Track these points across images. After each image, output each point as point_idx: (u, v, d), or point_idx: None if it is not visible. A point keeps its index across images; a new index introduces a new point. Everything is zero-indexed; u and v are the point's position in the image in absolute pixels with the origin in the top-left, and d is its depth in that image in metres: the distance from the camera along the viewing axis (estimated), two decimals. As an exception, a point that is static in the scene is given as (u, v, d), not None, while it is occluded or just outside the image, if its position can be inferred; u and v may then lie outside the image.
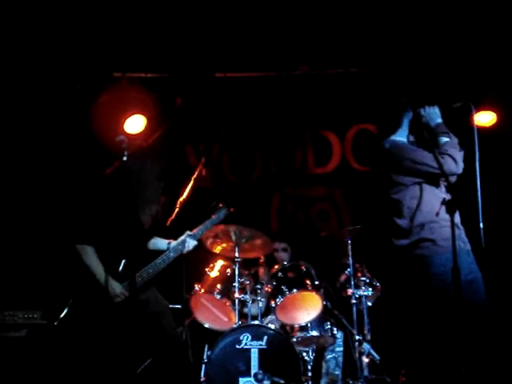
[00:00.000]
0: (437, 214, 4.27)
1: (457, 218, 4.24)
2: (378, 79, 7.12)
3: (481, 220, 4.09)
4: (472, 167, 4.18)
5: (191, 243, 5.05)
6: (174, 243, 5.01)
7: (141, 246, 4.95)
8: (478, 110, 6.63)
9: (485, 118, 6.75)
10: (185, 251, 5.03)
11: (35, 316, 5.03)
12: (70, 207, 6.12)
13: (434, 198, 4.31)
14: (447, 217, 4.13)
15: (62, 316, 4.57)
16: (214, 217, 5.26)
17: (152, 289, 4.90)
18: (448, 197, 4.31)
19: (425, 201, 4.30)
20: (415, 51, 6.73)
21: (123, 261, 4.66)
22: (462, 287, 3.70)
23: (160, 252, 4.99)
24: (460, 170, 4.27)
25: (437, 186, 4.35)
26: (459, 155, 4.31)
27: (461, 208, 4.11)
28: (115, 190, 4.71)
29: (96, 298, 4.59)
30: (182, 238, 5.03)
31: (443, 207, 4.28)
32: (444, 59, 6.79)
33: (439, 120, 4.45)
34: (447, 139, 4.36)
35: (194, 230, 5.12)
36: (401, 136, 4.51)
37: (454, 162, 4.23)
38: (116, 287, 4.59)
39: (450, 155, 4.23)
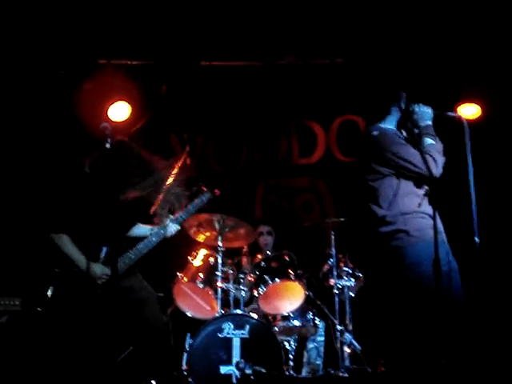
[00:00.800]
0: (412, 206, 4.28)
1: (430, 210, 4.24)
2: (363, 70, 7.12)
3: (475, 219, 4.12)
4: (463, 168, 4.20)
5: (173, 227, 5.04)
6: (156, 228, 5.00)
7: (122, 231, 4.93)
8: (462, 103, 6.76)
9: (469, 111, 6.78)
10: (167, 235, 5.02)
11: (16, 303, 5.02)
12: (44, 196, 6.06)
13: (411, 190, 4.33)
14: (422, 209, 4.23)
15: (43, 302, 4.56)
16: (196, 201, 5.25)
17: (136, 275, 4.89)
18: (425, 190, 4.33)
19: (401, 192, 4.30)
20: (400, 42, 6.73)
21: (104, 247, 4.66)
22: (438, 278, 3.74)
23: (141, 238, 4.98)
24: (438, 175, 4.26)
25: (414, 179, 4.36)
26: (441, 160, 4.31)
27: (437, 201, 4.12)
28: (94, 179, 4.70)
29: (77, 284, 4.58)
30: (165, 222, 5.01)
31: (419, 199, 4.30)
32: (429, 52, 6.80)
33: (429, 122, 4.44)
34: (433, 142, 4.36)
35: (176, 214, 5.11)
36: (390, 124, 4.50)
37: (435, 166, 4.23)
38: (97, 269, 4.59)
39: (432, 157, 4.23)
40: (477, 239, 4.11)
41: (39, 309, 4.66)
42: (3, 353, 4.80)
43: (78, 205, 4.70)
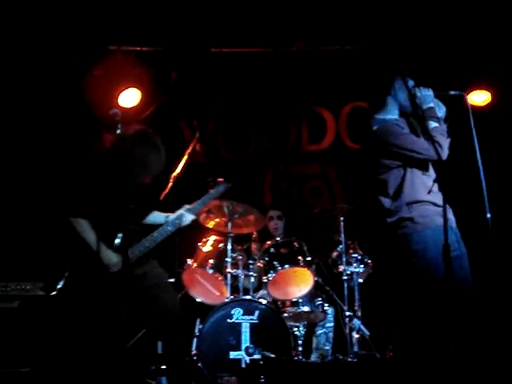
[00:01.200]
0: (417, 195, 4.30)
1: (440, 198, 4.25)
2: (373, 56, 7.10)
3: (488, 210, 4.14)
4: (470, 151, 4.21)
5: (189, 217, 5.04)
6: (171, 217, 5.01)
7: (138, 218, 4.95)
8: (472, 90, 6.74)
9: (479, 98, 6.76)
10: (182, 225, 5.03)
11: (28, 288, 5.05)
12: (63, 180, 6.10)
13: (418, 179, 4.34)
14: (430, 197, 4.27)
15: (58, 287, 4.59)
16: (212, 191, 5.22)
17: (150, 263, 4.91)
18: (433, 179, 4.35)
19: (407, 182, 4.33)
20: (410, 29, 6.69)
21: (119, 234, 4.67)
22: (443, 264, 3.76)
23: (157, 226, 4.99)
24: (445, 157, 4.27)
25: (422, 168, 4.37)
26: (446, 142, 4.32)
27: (447, 188, 4.12)
28: (110, 164, 4.70)
29: (92, 269, 4.61)
30: (180, 211, 5.02)
31: (427, 188, 4.32)
32: (439, 39, 6.77)
33: (431, 104, 4.45)
34: (436, 125, 4.37)
35: (192, 204, 5.11)
36: (390, 113, 4.50)
37: (441, 149, 4.23)
38: (112, 256, 4.61)
39: (437, 141, 4.23)
40: (488, 215, 4.14)
41: (53, 294, 4.69)
42: (16, 337, 4.84)
43: (97, 190, 4.70)
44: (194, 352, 5.38)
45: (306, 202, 7.73)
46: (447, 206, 4.28)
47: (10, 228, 6.63)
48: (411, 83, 4.53)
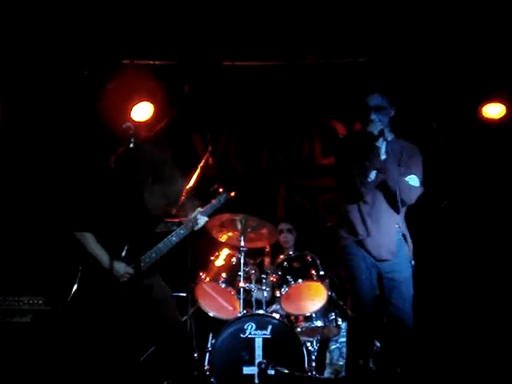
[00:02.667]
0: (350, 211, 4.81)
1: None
2: (387, 69, 7.09)
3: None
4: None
5: (202, 220, 5.01)
6: (185, 220, 4.98)
7: (145, 231, 4.93)
8: (487, 102, 6.72)
9: (494, 110, 6.72)
10: (196, 228, 5.00)
11: (40, 302, 5.05)
12: (68, 194, 6.10)
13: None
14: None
15: (66, 301, 4.57)
16: (214, 201, 5.22)
17: (156, 276, 4.89)
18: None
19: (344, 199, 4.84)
20: (425, 41, 6.68)
21: (126, 246, 4.66)
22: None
23: (163, 236, 4.97)
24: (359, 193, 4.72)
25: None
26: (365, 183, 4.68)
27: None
28: (118, 177, 4.70)
29: (100, 283, 4.60)
30: (193, 215, 4.99)
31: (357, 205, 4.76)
32: (454, 51, 6.75)
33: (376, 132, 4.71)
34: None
35: (205, 207, 5.09)
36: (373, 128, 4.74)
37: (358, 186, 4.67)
38: (120, 268, 4.60)
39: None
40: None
41: (62, 307, 4.68)
42: (27, 351, 4.84)
43: (102, 203, 4.70)
44: (206, 367, 5.34)
45: (318, 216, 7.70)
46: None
47: (22, 242, 6.64)
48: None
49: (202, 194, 5.34)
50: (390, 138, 4.87)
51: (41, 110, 6.89)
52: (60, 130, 6.97)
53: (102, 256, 4.62)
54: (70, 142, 6.95)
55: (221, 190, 5.28)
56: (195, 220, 4.97)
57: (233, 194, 5.33)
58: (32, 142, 6.92)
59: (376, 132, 4.69)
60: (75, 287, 4.59)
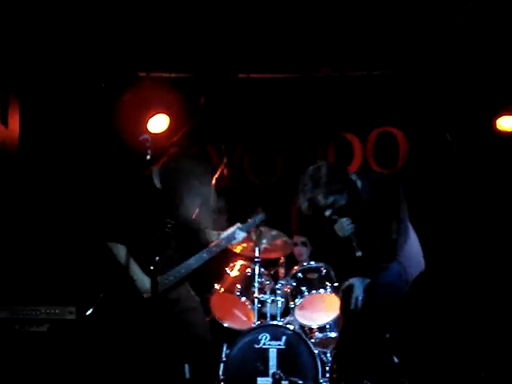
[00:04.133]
0: None
1: None
2: (400, 82, 7.12)
3: None
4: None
5: (241, 235, 5.03)
6: (224, 234, 5.00)
7: (175, 244, 4.94)
8: (501, 114, 6.73)
9: (508, 123, 6.73)
10: (234, 242, 5.03)
11: (57, 311, 5.09)
12: (101, 205, 6.15)
13: None
14: None
15: (91, 311, 4.61)
16: (250, 221, 5.22)
17: (184, 285, 4.91)
18: None
19: None
20: (438, 54, 6.70)
21: (156, 258, 4.67)
22: None
23: (198, 249, 4.98)
24: None
25: None
26: None
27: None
28: (151, 190, 4.72)
29: (125, 295, 4.63)
30: (232, 229, 5.03)
31: None
32: (469, 63, 6.77)
33: None
34: None
35: (246, 223, 5.12)
36: None
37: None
38: (147, 282, 4.60)
39: None
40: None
41: (87, 317, 4.72)
42: (44, 362, 4.87)
43: (137, 215, 4.72)
44: (221, 377, 5.36)
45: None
46: None
47: (42, 251, 6.70)
48: None
49: (236, 211, 5.40)
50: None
51: (59, 122, 6.96)
52: (84, 142, 7.03)
53: (133, 268, 4.64)
54: (96, 153, 7.01)
55: (258, 209, 5.31)
56: (233, 235, 5.00)
57: (267, 215, 5.38)
58: (59, 154, 6.99)
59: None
60: (100, 298, 4.63)
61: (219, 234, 5.00)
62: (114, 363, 4.52)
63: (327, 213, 4.87)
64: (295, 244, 6.79)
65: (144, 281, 4.58)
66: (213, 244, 4.96)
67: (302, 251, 6.81)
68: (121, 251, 4.67)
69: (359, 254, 4.84)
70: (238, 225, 5.04)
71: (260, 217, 5.27)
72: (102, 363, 4.54)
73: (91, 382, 4.57)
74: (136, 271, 4.63)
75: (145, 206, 4.61)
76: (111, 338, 4.55)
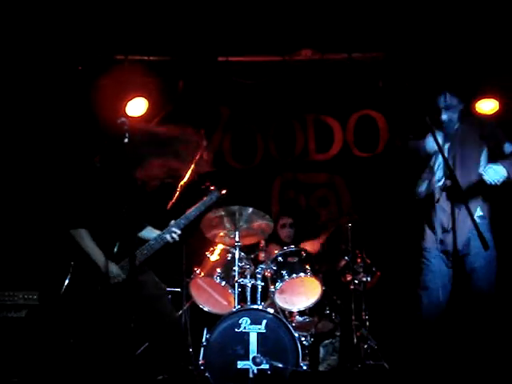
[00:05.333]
0: None
1: None
2: (381, 65, 7.10)
3: None
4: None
5: (174, 233, 4.98)
6: (161, 233, 5.00)
7: (136, 229, 4.94)
8: (480, 98, 6.74)
9: (487, 106, 6.74)
10: (169, 241, 4.99)
11: (34, 297, 5.06)
12: (62, 192, 6.10)
13: None
14: None
15: (58, 296, 4.59)
16: (205, 199, 5.22)
17: (148, 272, 4.92)
18: None
19: None
20: (418, 38, 6.68)
21: (117, 242, 4.67)
22: None
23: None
24: None
25: None
26: None
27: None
28: (107, 173, 4.71)
29: (92, 279, 4.62)
30: (167, 228, 5.01)
31: None
32: (446, 46, 6.76)
33: None
34: None
35: (178, 220, 5.09)
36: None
37: None
38: (112, 269, 4.62)
39: None
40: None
41: (54, 302, 4.69)
42: (22, 346, 4.85)
43: (95, 200, 4.72)
44: (201, 361, 5.35)
45: (313, 211, 7.72)
46: None
47: (16, 238, 6.64)
48: None
49: (193, 191, 5.37)
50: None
51: (34, 106, 6.87)
52: (54, 126, 6.95)
53: (96, 253, 4.64)
54: (64, 138, 6.94)
55: (212, 187, 5.29)
56: (168, 232, 4.98)
57: (224, 191, 5.34)
58: (25, 138, 6.90)
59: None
60: (66, 283, 4.60)
61: (159, 234, 4.97)
62: (83, 348, 4.50)
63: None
64: (283, 225, 6.79)
65: (109, 267, 4.59)
66: (173, 222, 4.98)
67: (291, 233, 6.80)
68: (83, 236, 4.65)
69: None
70: (172, 222, 5.02)
71: (216, 194, 5.26)
72: (69, 349, 4.52)
73: (67, 366, 4.54)
74: (99, 255, 4.62)
75: (104, 190, 4.61)
76: (78, 323, 4.53)
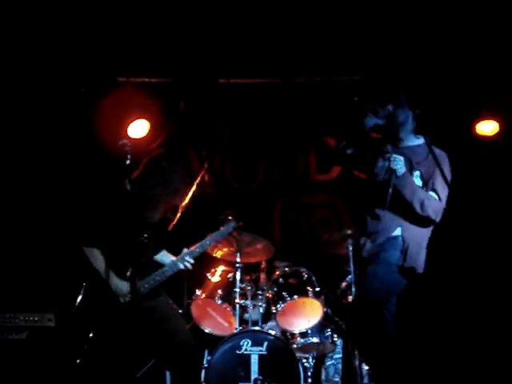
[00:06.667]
0: None
1: None
2: (382, 87, 7.12)
3: None
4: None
5: (188, 262, 5.00)
6: (175, 260, 5.01)
7: (150, 252, 4.95)
8: (480, 119, 6.76)
9: (487, 128, 6.77)
10: (180, 269, 4.99)
11: (36, 319, 5.05)
12: (77, 210, 6.13)
13: None
14: None
15: (70, 316, 4.59)
16: (222, 229, 5.28)
17: (162, 294, 4.92)
18: None
19: None
20: (418, 60, 6.72)
21: (131, 265, 4.66)
22: None
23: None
24: None
25: None
26: None
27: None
28: (125, 195, 4.71)
29: (102, 299, 4.62)
30: (181, 255, 5.03)
31: None
32: (448, 68, 6.80)
33: None
34: None
35: (192, 247, 5.10)
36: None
37: None
38: (123, 287, 4.61)
39: None
40: None
41: (65, 322, 4.70)
42: (24, 369, 4.83)
43: (112, 220, 4.71)
44: (202, 383, 5.33)
45: (314, 232, 7.71)
46: None
47: (20, 259, 6.64)
48: None
49: (204, 216, 5.41)
50: (411, 143, 5.01)
51: (39, 127, 6.91)
52: (62, 147, 6.98)
53: (107, 272, 4.63)
54: (73, 159, 6.97)
55: (230, 217, 5.33)
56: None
57: (241, 223, 5.39)
58: (35, 159, 6.93)
59: None
60: (78, 302, 4.61)
61: (173, 261, 4.99)
62: (95, 370, 4.49)
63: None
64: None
65: (119, 285, 4.60)
66: (187, 251, 5.00)
67: None
68: (96, 255, 4.66)
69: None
70: (185, 250, 5.05)
71: (232, 225, 5.30)
72: (82, 370, 4.51)
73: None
74: (111, 276, 4.63)
75: (121, 211, 4.61)
76: (91, 344, 4.53)
